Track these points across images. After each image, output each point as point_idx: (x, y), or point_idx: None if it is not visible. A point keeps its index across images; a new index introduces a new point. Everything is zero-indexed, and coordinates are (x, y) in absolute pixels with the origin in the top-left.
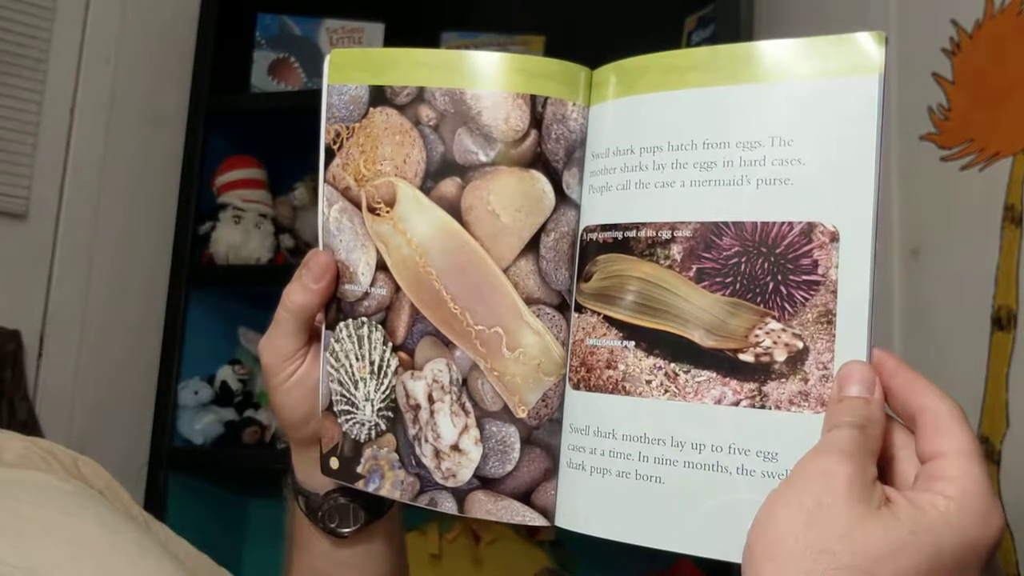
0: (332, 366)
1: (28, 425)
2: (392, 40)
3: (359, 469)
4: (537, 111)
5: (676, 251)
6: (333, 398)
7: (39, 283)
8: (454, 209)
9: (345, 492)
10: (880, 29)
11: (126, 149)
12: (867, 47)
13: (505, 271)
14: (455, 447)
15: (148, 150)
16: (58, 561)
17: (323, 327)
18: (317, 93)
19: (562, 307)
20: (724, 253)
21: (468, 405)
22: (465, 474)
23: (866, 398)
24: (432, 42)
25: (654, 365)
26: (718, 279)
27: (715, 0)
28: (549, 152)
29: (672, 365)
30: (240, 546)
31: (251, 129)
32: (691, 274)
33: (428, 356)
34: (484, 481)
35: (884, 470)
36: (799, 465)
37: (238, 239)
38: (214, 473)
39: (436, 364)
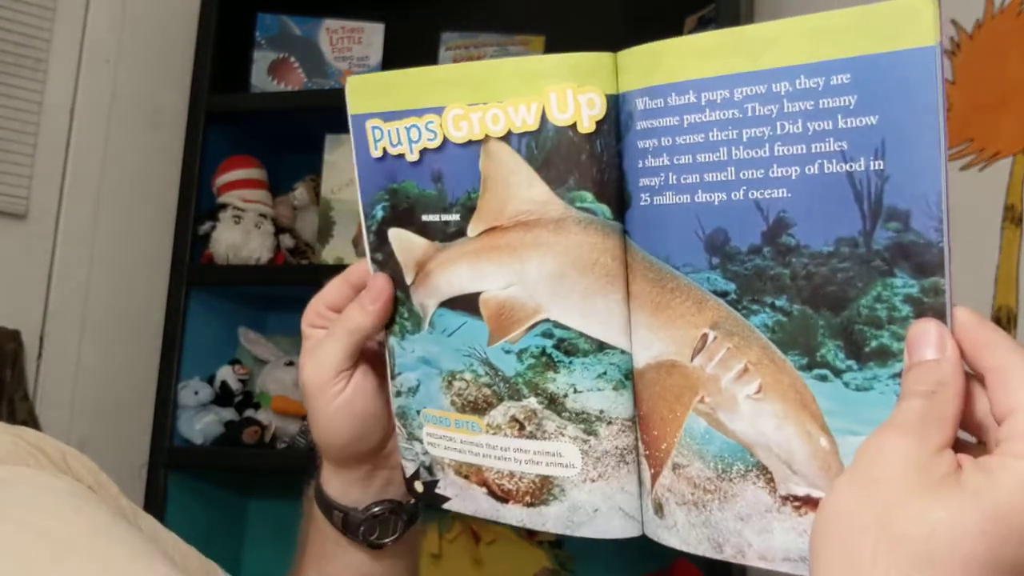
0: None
1: (28, 425)
2: (392, 40)
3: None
4: None
5: None
6: None
7: (39, 283)
8: None
9: (387, 505)
10: None
11: (126, 149)
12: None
13: None
14: None
15: (148, 150)
16: (46, 564)
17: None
18: (317, 93)
19: None
20: None
21: None
22: None
23: (936, 360)
24: (432, 42)
25: None
26: None
27: (715, 0)
28: None
29: None
30: (240, 546)
31: (251, 129)
32: None
33: None
34: None
35: (982, 441)
36: (861, 445)
37: (238, 239)
38: (214, 473)
39: None
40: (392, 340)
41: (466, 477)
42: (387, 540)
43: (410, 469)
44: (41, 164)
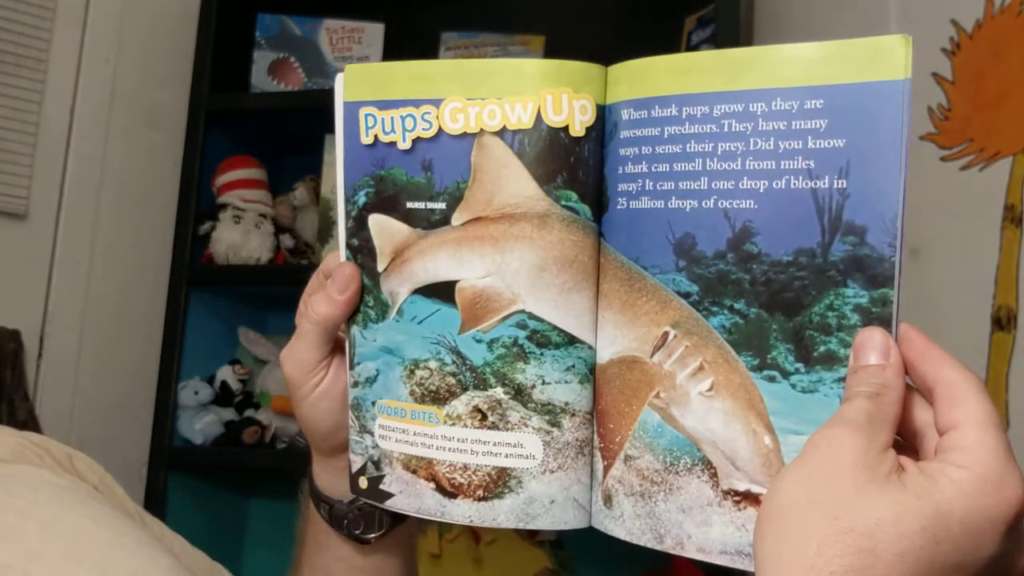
0: None
1: (28, 425)
2: (392, 40)
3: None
4: None
5: None
6: None
7: (39, 283)
8: None
9: None
10: (880, 29)
11: (126, 149)
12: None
13: None
14: None
15: (148, 150)
16: (54, 559)
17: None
18: (317, 93)
19: None
20: None
21: None
22: None
23: (881, 364)
24: (432, 42)
25: None
26: None
27: (715, 0)
28: None
29: None
30: (240, 546)
31: (251, 129)
32: None
33: None
34: None
35: (913, 446)
36: (810, 439)
37: (238, 239)
38: (214, 473)
39: None
40: (354, 329)
41: (414, 472)
42: (372, 535)
43: (357, 464)
44: (41, 164)
